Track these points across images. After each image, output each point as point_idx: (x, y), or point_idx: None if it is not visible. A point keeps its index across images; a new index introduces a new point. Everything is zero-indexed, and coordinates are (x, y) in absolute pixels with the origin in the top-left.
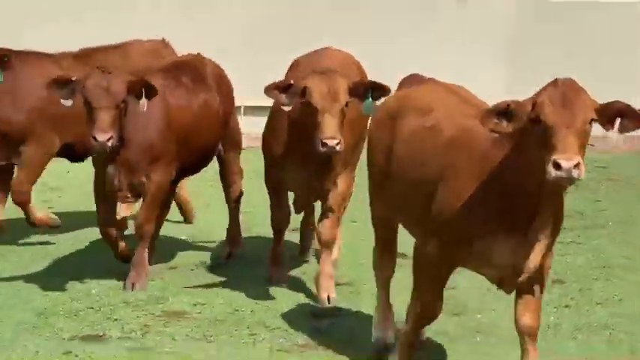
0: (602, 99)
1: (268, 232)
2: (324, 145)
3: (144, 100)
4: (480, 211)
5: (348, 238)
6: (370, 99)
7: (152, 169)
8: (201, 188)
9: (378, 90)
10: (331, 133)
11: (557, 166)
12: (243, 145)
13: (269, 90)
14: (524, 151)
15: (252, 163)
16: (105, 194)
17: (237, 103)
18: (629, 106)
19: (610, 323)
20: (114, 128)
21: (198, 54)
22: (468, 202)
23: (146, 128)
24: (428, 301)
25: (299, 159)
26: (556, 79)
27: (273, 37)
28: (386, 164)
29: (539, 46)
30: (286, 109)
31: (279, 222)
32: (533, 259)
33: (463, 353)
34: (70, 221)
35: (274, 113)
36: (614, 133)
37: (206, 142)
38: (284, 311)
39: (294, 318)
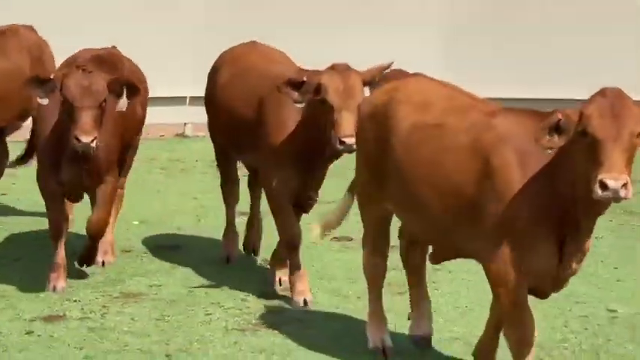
0: (538, 79)
1: (221, 216)
2: (342, 143)
3: (124, 100)
4: (530, 214)
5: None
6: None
7: (111, 170)
8: (152, 175)
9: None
10: (350, 131)
11: (604, 187)
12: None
13: (282, 87)
14: (571, 161)
15: (202, 152)
16: (57, 194)
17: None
18: None
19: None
20: (97, 129)
21: (114, 47)
22: (517, 205)
23: (106, 130)
24: (527, 322)
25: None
26: (604, 89)
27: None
28: (380, 162)
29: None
30: (299, 106)
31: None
32: (575, 268)
33: None
34: (27, 204)
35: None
36: None
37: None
38: (238, 292)
39: (247, 299)
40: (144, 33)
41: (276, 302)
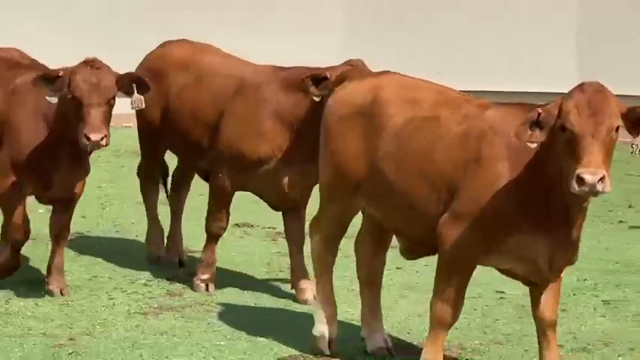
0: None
1: (125, 205)
2: None
3: (136, 96)
4: (515, 205)
5: None
6: None
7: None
8: None
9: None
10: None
11: (581, 181)
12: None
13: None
14: (555, 154)
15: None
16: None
17: None
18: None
19: None
20: (107, 126)
21: (14, 49)
22: (503, 195)
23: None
24: (453, 302)
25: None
26: (583, 84)
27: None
28: (363, 160)
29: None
30: (316, 99)
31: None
32: (568, 257)
33: None
34: None
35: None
36: None
37: None
38: (140, 277)
39: (149, 284)
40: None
41: (177, 286)
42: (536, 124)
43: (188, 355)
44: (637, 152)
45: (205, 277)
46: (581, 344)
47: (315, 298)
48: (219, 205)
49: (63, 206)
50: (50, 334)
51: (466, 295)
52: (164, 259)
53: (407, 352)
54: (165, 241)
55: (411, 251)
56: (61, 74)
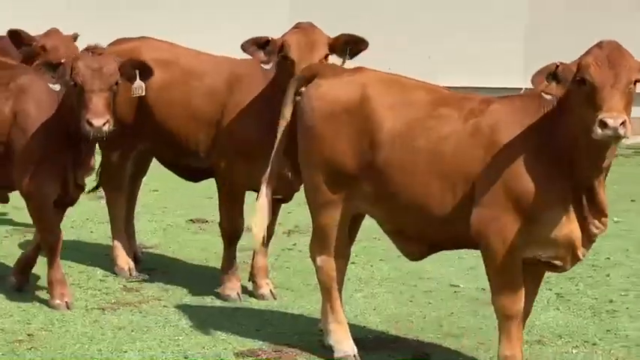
0: None
1: None
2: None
3: (139, 82)
4: (539, 181)
5: None
6: (348, 55)
7: None
8: None
9: (356, 44)
10: None
11: (604, 125)
12: None
13: (247, 45)
14: (570, 114)
15: None
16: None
17: None
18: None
19: (391, 277)
20: (109, 112)
21: None
22: (524, 175)
23: None
24: (514, 293)
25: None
26: (601, 42)
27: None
28: (358, 159)
29: None
30: (266, 67)
31: None
32: (603, 223)
33: None
34: None
35: None
36: None
37: None
38: (97, 273)
39: (106, 279)
40: None
41: (133, 282)
42: (554, 76)
43: (146, 349)
44: None
45: (232, 286)
46: (536, 337)
47: (324, 318)
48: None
49: (65, 208)
50: (9, 329)
51: (421, 289)
52: (134, 269)
53: (362, 345)
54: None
55: (420, 252)
56: (63, 61)
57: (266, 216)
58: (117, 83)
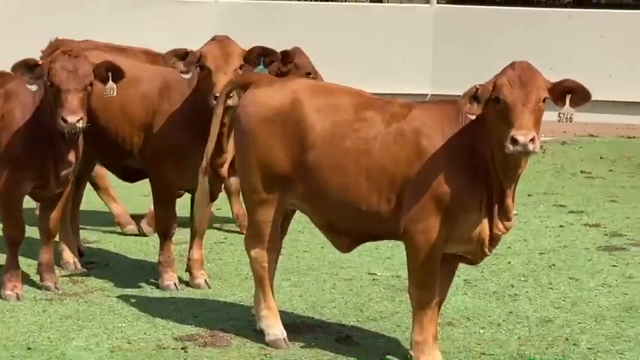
0: None
1: None
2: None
3: (111, 84)
4: (460, 186)
5: None
6: (262, 65)
7: None
8: None
9: (269, 55)
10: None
11: (515, 141)
12: None
13: (168, 56)
14: (487, 127)
15: None
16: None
17: None
18: (577, 82)
19: (314, 266)
20: (83, 110)
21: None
22: (448, 180)
23: None
24: (430, 285)
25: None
26: (513, 62)
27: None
28: (291, 160)
29: None
30: (186, 76)
31: None
32: (507, 225)
33: None
34: None
35: None
36: None
37: None
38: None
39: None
40: None
41: (78, 275)
42: (474, 98)
43: (92, 336)
44: (564, 120)
45: (170, 277)
46: (447, 319)
47: (256, 304)
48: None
49: (53, 202)
50: None
51: (342, 277)
52: (78, 263)
53: (291, 329)
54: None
55: (348, 245)
56: (40, 62)
57: (207, 203)
58: (91, 84)
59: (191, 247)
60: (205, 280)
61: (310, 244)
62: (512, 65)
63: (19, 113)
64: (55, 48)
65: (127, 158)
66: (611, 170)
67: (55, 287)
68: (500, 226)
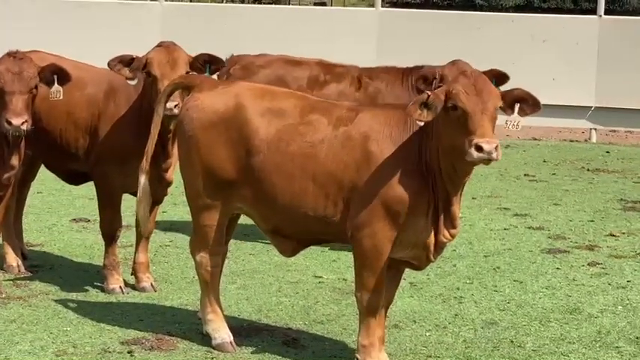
0: None
1: None
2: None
3: (56, 87)
4: (408, 192)
5: None
6: (208, 72)
7: None
8: None
9: (215, 63)
10: (177, 101)
11: (479, 149)
12: None
13: (113, 63)
14: (437, 136)
15: None
16: None
17: None
18: (527, 92)
19: (261, 269)
20: (28, 113)
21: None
22: (396, 185)
23: None
24: (377, 289)
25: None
26: (465, 70)
27: None
28: (236, 165)
29: None
30: (132, 82)
31: None
32: (452, 233)
33: None
34: None
35: None
36: None
37: None
38: None
39: None
40: None
41: (22, 278)
42: (425, 105)
43: (37, 340)
44: (511, 127)
45: (115, 281)
46: (393, 322)
47: (203, 308)
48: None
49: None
50: None
51: (288, 280)
52: (22, 266)
53: (238, 332)
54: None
55: (292, 249)
56: None
57: (148, 204)
58: (36, 86)
59: (137, 251)
60: (151, 284)
61: (256, 247)
62: (464, 73)
63: None
64: (234, 63)
65: (71, 161)
66: (554, 173)
67: None
68: (446, 233)
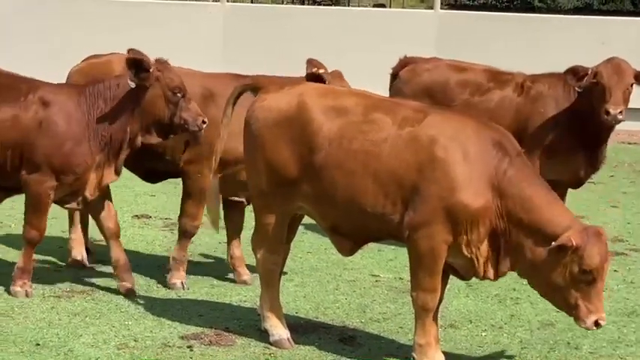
0: None
1: None
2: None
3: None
4: (470, 201)
5: None
6: None
7: None
8: None
9: None
10: None
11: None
12: None
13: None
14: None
15: None
16: None
17: None
18: None
19: (318, 267)
20: None
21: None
22: (461, 193)
23: None
24: (432, 290)
25: None
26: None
27: None
28: (299, 163)
29: None
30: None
31: None
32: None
33: None
34: None
35: None
36: None
37: None
38: (51, 264)
39: (60, 269)
40: None
41: (86, 272)
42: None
43: (99, 333)
44: None
45: (179, 276)
46: (449, 321)
47: (262, 305)
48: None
49: None
50: None
51: (345, 279)
52: (86, 260)
53: (295, 330)
54: None
55: (350, 249)
56: None
57: (216, 202)
58: None
59: (231, 247)
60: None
61: (314, 246)
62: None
63: None
64: (404, 65)
65: (154, 160)
66: (612, 176)
67: None
68: (501, 266)
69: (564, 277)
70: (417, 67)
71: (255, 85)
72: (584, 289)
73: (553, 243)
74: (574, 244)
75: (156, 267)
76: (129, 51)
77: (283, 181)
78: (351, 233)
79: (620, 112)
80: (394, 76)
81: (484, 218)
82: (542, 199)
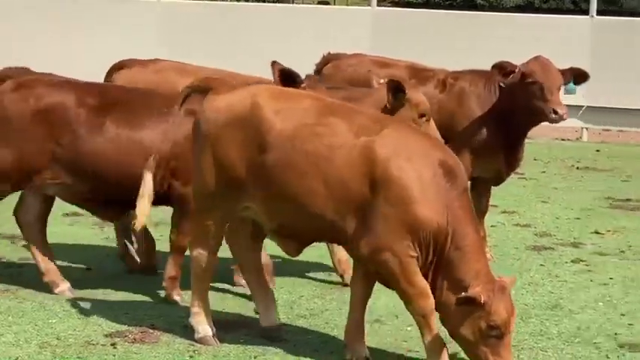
0: None
1: None
2: None
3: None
4: (432, 214)
5: None
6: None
7: None
8: None
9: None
10: None
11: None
12: None
13: None
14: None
15: None
16: None
17: None
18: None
19: None
20: None
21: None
22: (421, 207)
23: None
24: (423, 292)
25: None
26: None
27: None
28: (249, 163)
29: None
30: None
31: None
32: None
33: None
34: None
35: None
36: None
37: None
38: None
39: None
40: None
41: (12, 270)
42: None
43: (22, 332)
44: None
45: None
46: (375, 316)
47: (191, 301)
48: None
49: None
50: None
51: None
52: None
53: (221, 326)
54: None
55: (297, 249)
56: None
57: (148, 202)
58: None
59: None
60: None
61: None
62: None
63: None
64: (327, 62)
65: None
66: (544, 172)
67: None
68: None
69: (473, 331)
70: (340, 63)
71: (203, 86)
72: (493, 343)
73: (463, 293)
74: (482, 300)
75: (84, 265)
76: (273, 63)
77: (232, 182)
78: (298, 234)
79: (567, 112)
80: (318, 72)
81: (438, 236)
82: (474, 244)
